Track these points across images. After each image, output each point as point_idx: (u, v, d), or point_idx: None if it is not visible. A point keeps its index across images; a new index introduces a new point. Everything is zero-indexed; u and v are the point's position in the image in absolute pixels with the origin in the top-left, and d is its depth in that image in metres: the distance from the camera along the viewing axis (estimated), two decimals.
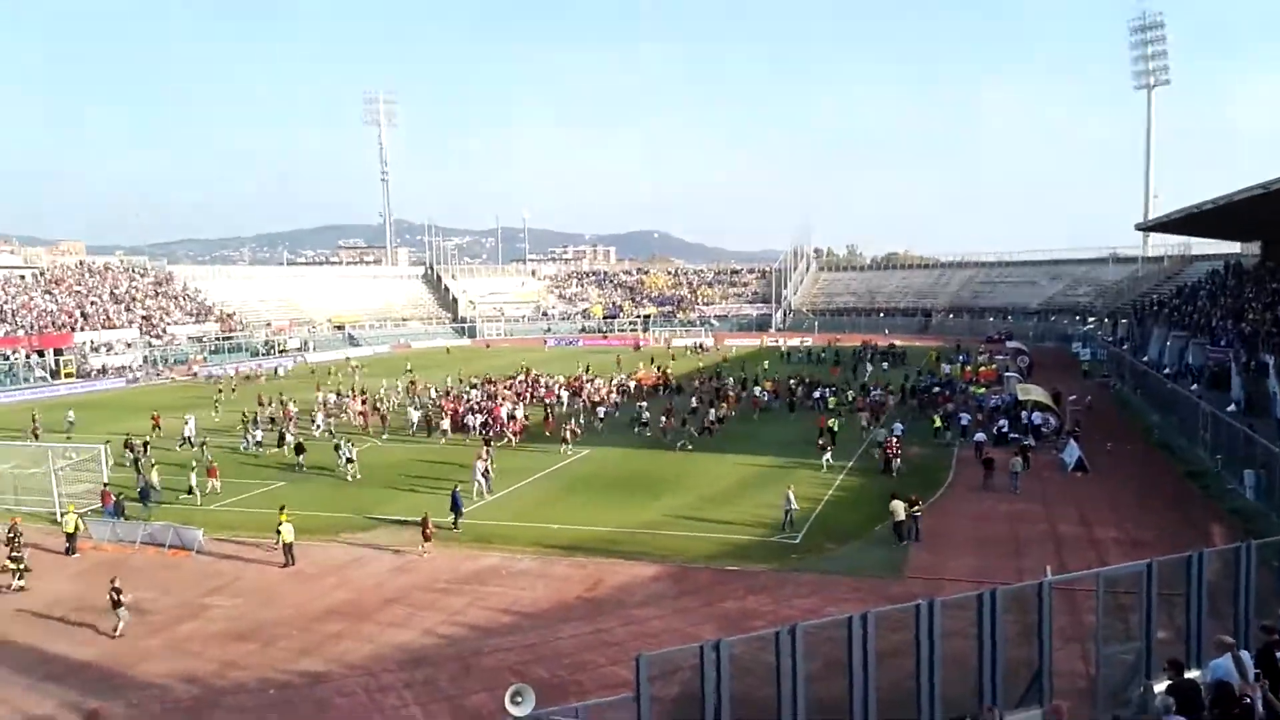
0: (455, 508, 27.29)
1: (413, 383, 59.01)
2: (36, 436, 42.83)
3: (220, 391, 59.04)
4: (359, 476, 34.08)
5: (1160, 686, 12.21)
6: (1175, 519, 25.88)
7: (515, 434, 41.05)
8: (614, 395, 52.32)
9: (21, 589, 23.04)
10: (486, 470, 31.49)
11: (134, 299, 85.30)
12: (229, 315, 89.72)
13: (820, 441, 35.67)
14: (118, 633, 19.88)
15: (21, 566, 23.47)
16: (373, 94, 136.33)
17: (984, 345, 74.82)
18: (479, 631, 19.46)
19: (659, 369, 63.52)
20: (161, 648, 19.24)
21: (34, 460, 33.15)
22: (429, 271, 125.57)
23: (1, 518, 27.63)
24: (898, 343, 78.26)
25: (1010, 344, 73.07)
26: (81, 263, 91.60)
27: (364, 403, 49.61)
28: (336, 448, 36.18)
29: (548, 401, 50.64)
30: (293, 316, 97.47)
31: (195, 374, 73.60)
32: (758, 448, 37.74)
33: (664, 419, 41.78)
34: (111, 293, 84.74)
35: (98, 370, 70.72)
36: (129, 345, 76.72)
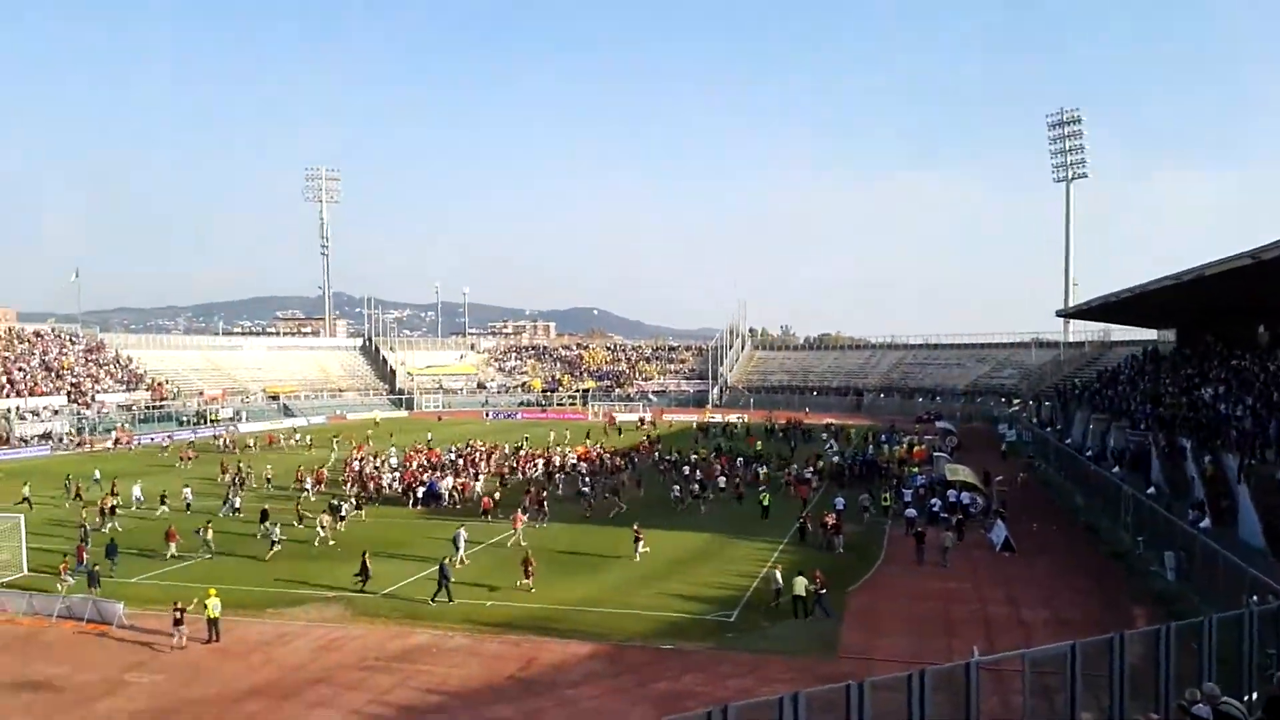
0: (443, 578, 26.74)
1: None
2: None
3: (182, 458, 59.44)
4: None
5: None
6: (1099, 599, 26.48)
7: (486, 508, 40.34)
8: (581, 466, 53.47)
9: None
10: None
11: (64, 366, 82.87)
12: (160, 384, 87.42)
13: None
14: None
15: None
16: (315, 171, 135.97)
17: (916, 425, 76.50)
18: (406, 712, 18.91)
19: (648, 438, 67.35)
20: None
21: None
22: (367, 343, 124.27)
23: None
24: (805, 420, 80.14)
25: (939, 424, 74.72)
26: (11, 329, 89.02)
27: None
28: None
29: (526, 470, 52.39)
30: (226, 386, 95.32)
31: (119, 441, 71.45)
32: (694, 524, 37.73)
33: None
34: (42, 360, 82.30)
35: (19, 439, 68.21)
36: (56, 413, 74.23)
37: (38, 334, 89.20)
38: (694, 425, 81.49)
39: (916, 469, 49.67)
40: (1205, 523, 30.39)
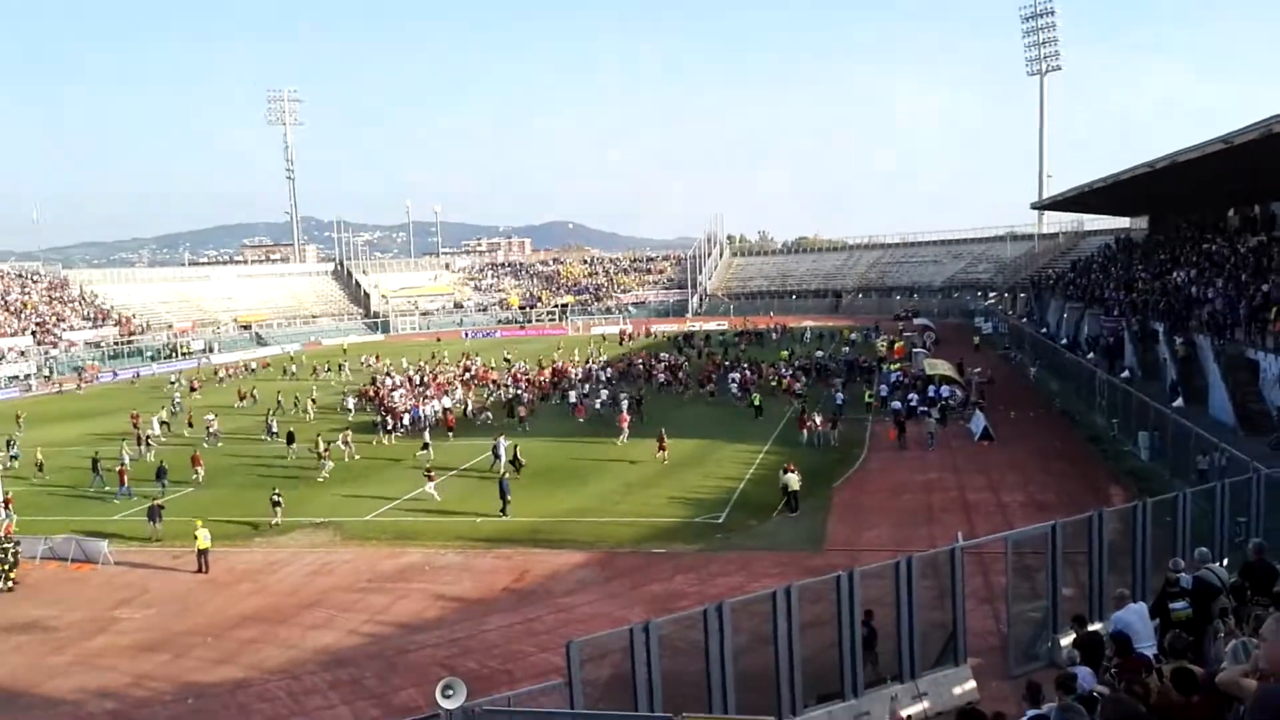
0: (503, 493, 27.04)
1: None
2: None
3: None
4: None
5: (1066, 640, 12.87)
6: (1077, 482, 27.08)
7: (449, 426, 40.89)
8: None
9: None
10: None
11: (27, 306, 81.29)
12: (128, 319, 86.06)
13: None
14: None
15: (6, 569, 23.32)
16: (277, 92, 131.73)
17: (895, 322, 77.11)
18: (404, 628, 19.21)
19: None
20: (70, 664, 18.47)
21: None
22: (339, 267, 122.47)
23: None
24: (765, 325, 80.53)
25: (917, 321, 75.27)
26: None
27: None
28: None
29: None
30: (196, 318, 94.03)
31: (87, 380, 70.66)
32: (678, 431, 37.94)
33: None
34: (3, 300, 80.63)
35: None
36: (22, 354, 73.08)
37: None
38: (676, 336, 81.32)
39: (896, 365, 50.13)
40: (1178, 402, 31.01)
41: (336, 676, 16.94)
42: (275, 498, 27.69)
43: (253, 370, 72.37)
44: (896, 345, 57.99)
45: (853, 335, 68.70)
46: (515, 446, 32.98)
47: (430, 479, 29.22)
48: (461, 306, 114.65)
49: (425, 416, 42.01)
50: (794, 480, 25.77)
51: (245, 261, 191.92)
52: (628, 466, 32.65)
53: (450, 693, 10.46)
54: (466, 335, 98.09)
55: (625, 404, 40.77)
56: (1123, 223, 78.63)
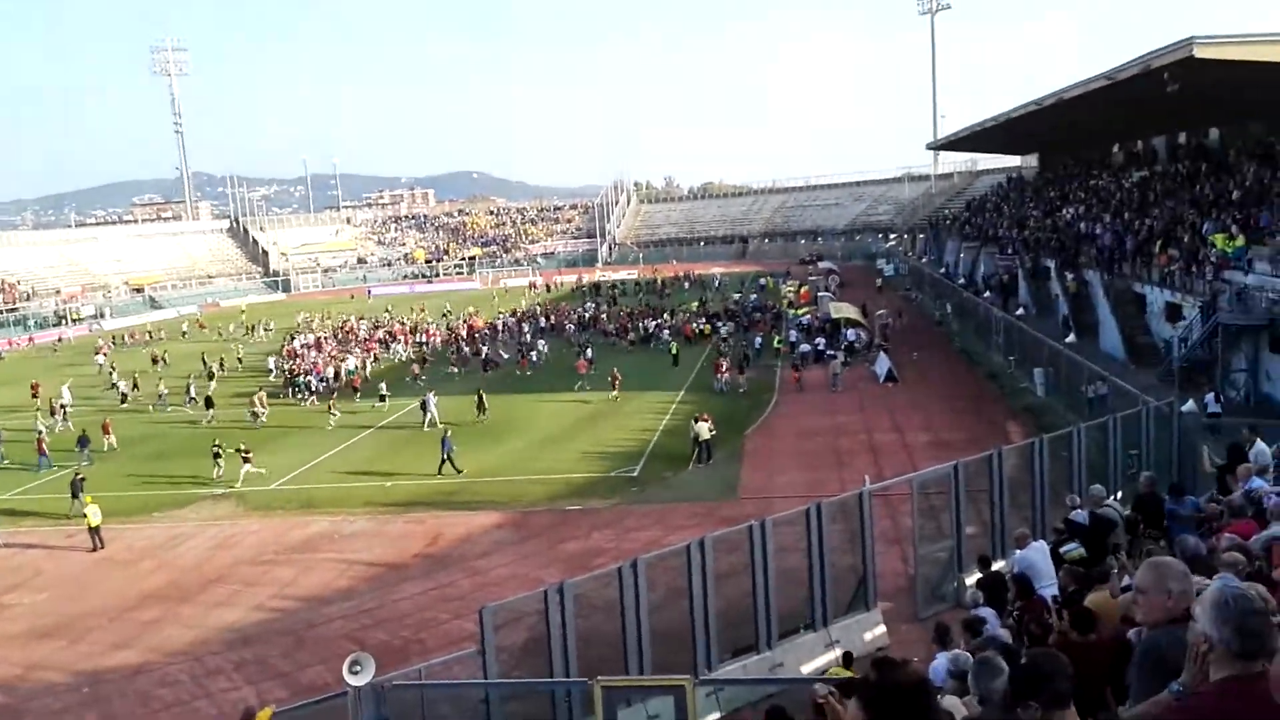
0: (445, 449, 26.45)
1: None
2: None
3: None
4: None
5: (971, 580, 13.24)
6: (977, 419, 27.94)
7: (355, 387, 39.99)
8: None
9: None
10: None
11: None
12: (12, 285, 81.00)
13: None
14: None
15: None
16: (160, 42, 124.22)
17: (800, 266, 78.01)
18: (311, 602, 18.67)
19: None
20: None
21: None
22: (234, 224, 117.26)
23: None
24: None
25: (822, 264, 76.29)
26: None
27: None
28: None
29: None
30: (85, 282, 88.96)
31: None
32: (595, 384, 37.69)
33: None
34: None
35: None
36: None
37: None
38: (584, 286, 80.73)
39: (803, 310, 50.78)
40: (1070, 338, 32.17)
41: (241, 656, 16.38)
42: (215, 449, 27.81)
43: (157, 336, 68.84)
44: (802, 290, 58.72)
45: (761, 280, 69.26)
46: (479, 391, 33.88)
47: (246, 459, 27.39)
48: (365, 262, 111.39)
49: (331, 378, 40.88)
50: (704, 429, 25.84)
51: (135, 221, 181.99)
52: (537, 423, 32.32)
53: (358, 669, 10.08)
54: (370, 293, 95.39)
55: (589, 353, 41.56)
56: (1014, 161, 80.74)
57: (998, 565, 12.94)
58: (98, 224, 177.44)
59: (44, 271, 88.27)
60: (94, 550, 22.33)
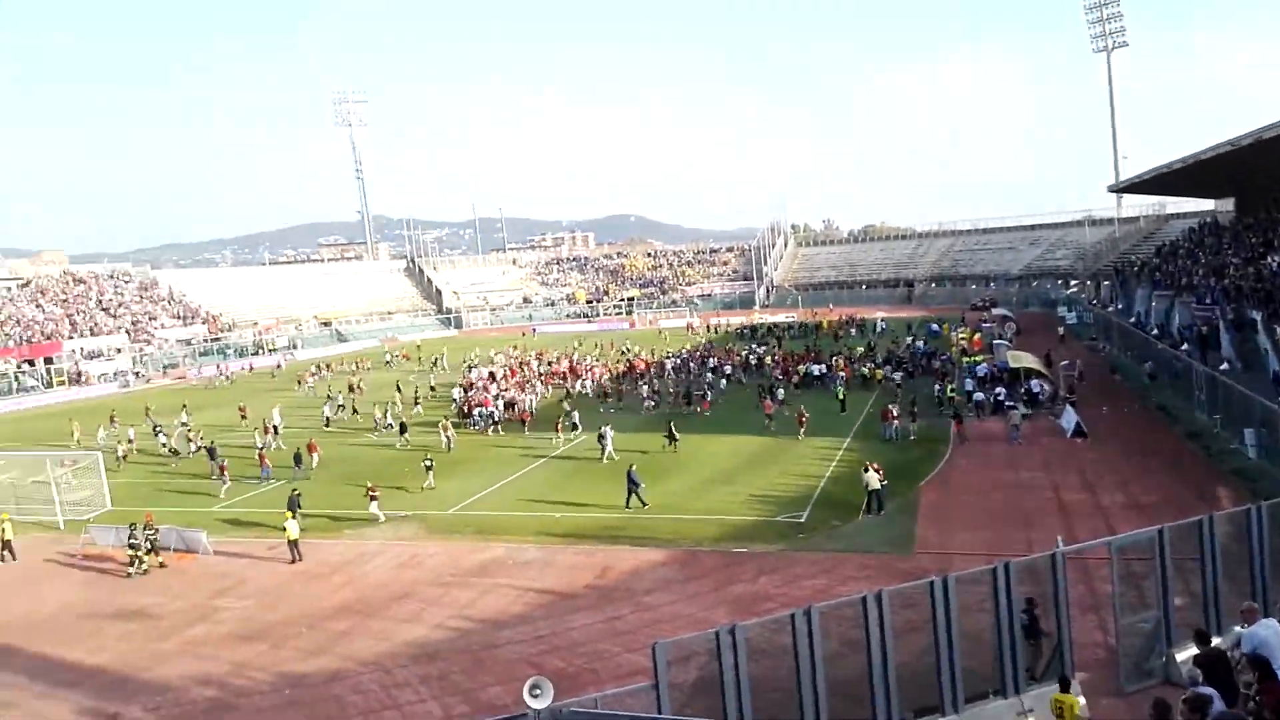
0: (632, 483, 27.00)
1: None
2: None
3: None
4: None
5: (1184, 655, 12.24)
6: (1178, 482, 25.90)
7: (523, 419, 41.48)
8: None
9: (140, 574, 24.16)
10: None
11: (120, 305, 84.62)
12: (215, 317, 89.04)
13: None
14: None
15: (136, 554, 24.29)
16: (343, 95, 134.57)
17: (971, 312, 75.15)
18: (489, 624, 19.35)
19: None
20: (173, 651, 19.11)
21: (30, 470, 32.74)
22: (410, 264, 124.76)
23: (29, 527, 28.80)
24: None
25: (995, 311, 73.25)
26: (66, 272, 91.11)
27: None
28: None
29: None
30: (278, 315, 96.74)
31: (184, 376, 73.37)
32: (752, 428, 37.65)
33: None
34: (98, 300, 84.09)
35: (96, 376, 70.29)
36: (119, 351, 76.08)
37: (93, 274, 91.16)
38: (739, 328, 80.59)
39: (978, 358, 48.83)
40: None
41: (426, 671, 17.15)
42: (428, 463, 31.22)
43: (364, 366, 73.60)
44: (975, 337, 56.50)
45: (934, 325, 67.04)
46: (670, 422, 35.58)
47: (373, 498, 28.02)
48: (530, 301, 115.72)
49: (501, 410, 42.53)
50: (874, 479, 25.19)
51: (322, 260, 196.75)
52: (700, 462, 32.39)
53: (538, 692, 10.40)
54: (533, 331, 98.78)
55: (779, 394, 42.32)
56: (1207, 205, 75.36)
57: (1216, 641, 11.94)
58: (288, 262, 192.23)
59: (243, 305, 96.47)
60: (292, 563, 24.03)
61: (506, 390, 48.14)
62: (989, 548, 20.47)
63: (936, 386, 40.36)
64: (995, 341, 52.54)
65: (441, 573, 22.73)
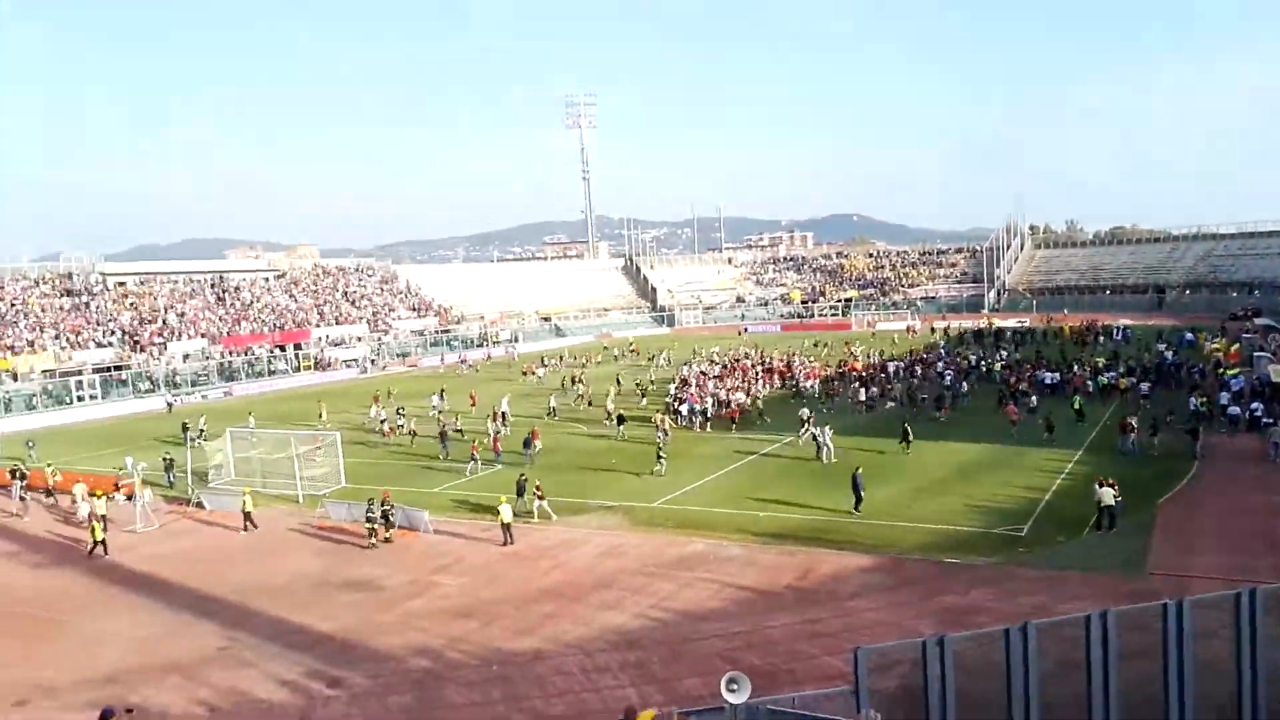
0: (856, 488, 26.70)
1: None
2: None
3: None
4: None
5: None
6: None
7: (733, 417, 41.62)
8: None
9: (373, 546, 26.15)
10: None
11: (363, 297, 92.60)
12: (446, 310, 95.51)
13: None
14: None
15: (374, 526, 26.36)
16: (574, 98, 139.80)
17: (1230, 322, 67.77)
18: (689, 617, 19.61)
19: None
20: (394, 623, 20.56)
21: (277, 446, 36.06)
22: (628, 263, 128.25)
23: (271, 499, 31.75)
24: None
25: (1259, 321, 65.59)
26: (316, 265, 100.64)
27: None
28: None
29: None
30: (503, 309, 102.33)
31: (415, 365, 79.37)
32: (985, 434, 35.91)
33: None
34: (344, 292, 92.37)
35: (340, 362, 77.14)
36: (359, 339, 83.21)
37: (340, 268, 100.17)
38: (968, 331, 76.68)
39: (1235, 371, 44.02)
40: None
41: (625, 658, 17.61)
42: (659, 451, 33.12)
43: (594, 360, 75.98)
44: (1232, 349, 50.91)
45: (1189, 335, 61.31)
46: (904, 422, 35.18)
47: (540, 497, 28.12)
48: (743, 301, 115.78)
49: (710, 407, 42.94)
50: (1108, 494, 23.33)
51: (545, 258, 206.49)
52: (913, 469, 31.27)
53: (735, 687, 10.48)
54: (745, 330, 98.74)
55: (1033, 400, 40.87)
56: None
57: None
58: (515, 260, 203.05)
59: (471, 299, 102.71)
60: (504, 545, 25.33)
61: (734, 390, 47.77)
62: (1233, 572, 18.48)
63: (1191, 400, 36.75)
64: (1256, 354, 47.11)
65: (644, 563, 23.24)
